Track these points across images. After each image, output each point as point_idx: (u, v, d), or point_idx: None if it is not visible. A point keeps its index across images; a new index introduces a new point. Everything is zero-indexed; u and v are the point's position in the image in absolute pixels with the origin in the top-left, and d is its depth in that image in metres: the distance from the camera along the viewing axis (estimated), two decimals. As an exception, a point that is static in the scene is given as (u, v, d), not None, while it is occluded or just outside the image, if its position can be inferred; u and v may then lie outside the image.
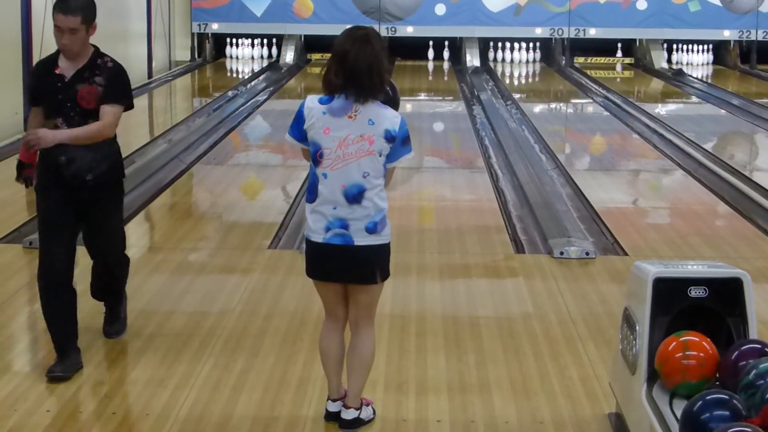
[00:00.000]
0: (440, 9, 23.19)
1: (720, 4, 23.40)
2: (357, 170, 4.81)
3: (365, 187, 4.83)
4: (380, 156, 4.84)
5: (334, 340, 5.10)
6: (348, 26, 5.08)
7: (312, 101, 4.92)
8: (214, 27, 23.16)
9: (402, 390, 5.53)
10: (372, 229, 4.88)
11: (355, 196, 4.82)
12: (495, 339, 6.29)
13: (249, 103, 17.05)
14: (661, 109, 17.93)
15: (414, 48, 23.18)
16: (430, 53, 23.79)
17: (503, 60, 23.74)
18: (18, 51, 13.93)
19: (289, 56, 23.00)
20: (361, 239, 4.87)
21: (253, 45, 23.65)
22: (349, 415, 5.04)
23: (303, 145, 4.93)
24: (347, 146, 4.81)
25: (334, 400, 5.12)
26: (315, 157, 4.85)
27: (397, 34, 23.00)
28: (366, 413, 5.12)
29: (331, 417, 5.10)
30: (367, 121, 4.83)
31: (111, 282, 6.17)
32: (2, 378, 5.58)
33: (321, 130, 4.83)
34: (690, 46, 23.97)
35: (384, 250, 4.99)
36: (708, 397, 3.76)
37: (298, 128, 4.91)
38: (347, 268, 4.93)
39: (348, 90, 4.84)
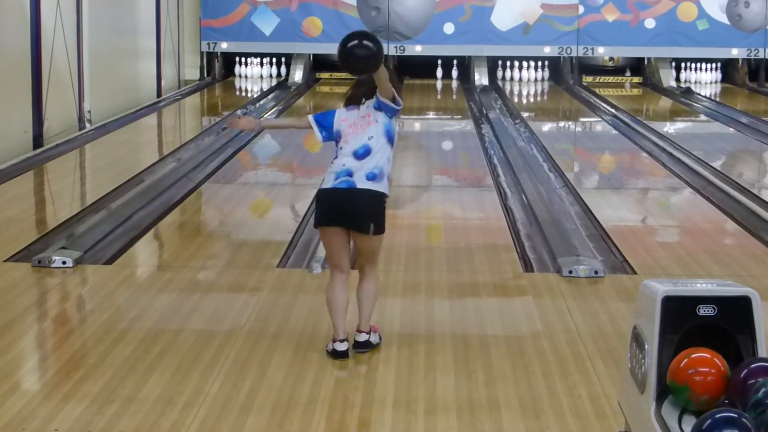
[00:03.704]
0: (449, 28, 23.24)
1: (728, 23, 23.42)
2: (364, 135, 6.13)
3: (370, 146, 6.11)
4: (377, 122, 6.15)
5: (339, 291, 6.21)
6: None
7: (339, 110, 6.30)
8: (224, 46, 23.23)
9: (411, 408, 5.52)
10: (371, 178, 6.08)
11: (362, 154, 6.10)
12: (504, 357, 6.28)
13: (258, 121, 17.05)
14: (670, 128, 17.94)
15: (422, 67, 23.23)
16: (439, 72, 23.83)
17: (512, 78, 23.77)
18: (27, 70, 13.99)
19: (297, 75, 23.06)
20: (362, 184, 6.06)
21: (262, 64, 23.71)
22: (361, 338, 6.22)
23: (317, 127, 6.27)
24: (356, 124, 6.17)
25: (341, 341, 6.15)
26: (337, 138, 6.22)
27: (405, 53, 23.05)
28: (374, 338, 6.30)
29: (338, 355, 6.13)
30: (366, 107, 6.23)
31: None
32: (11, 397, 5.58)
33: (340, 119, 6.22)
34: (698, 65, 23.98)
35: (380, 198, 6.12)
36: (717, 416, 3.76)
37: (326, 117, 6.28)
38: (348, 209, 6.07)
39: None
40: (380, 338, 6.39)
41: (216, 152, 13.76)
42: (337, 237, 6.17)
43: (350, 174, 6.06)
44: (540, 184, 11.67)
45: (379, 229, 6.16)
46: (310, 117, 6.32)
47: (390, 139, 6.18)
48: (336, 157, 6.18)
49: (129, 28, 19.27)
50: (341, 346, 6.12)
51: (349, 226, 6.12)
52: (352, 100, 6.27)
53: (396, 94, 6.15)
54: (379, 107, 6.18)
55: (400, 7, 23.12)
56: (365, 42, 5.86)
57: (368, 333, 6.26)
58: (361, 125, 6.14)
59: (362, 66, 5.96)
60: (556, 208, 10.37)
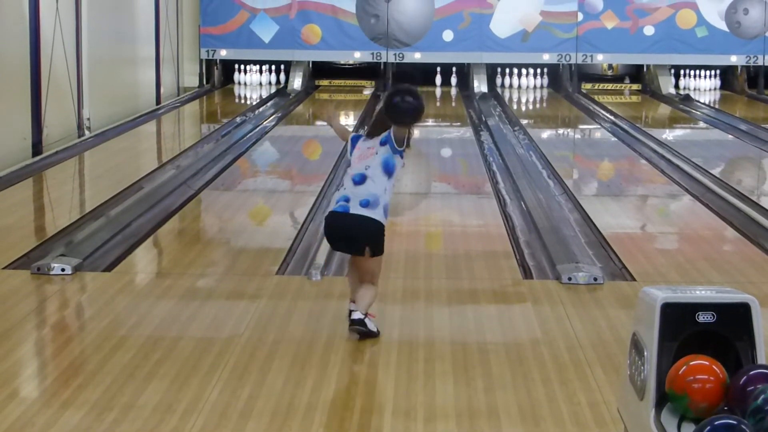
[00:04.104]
0: (448, 35, 23.25)
1: (727, 30, 23.44)
2: (362, 165, 6.73)
3: (365, 175, 6.68)
4: (377, 155, 6.71)
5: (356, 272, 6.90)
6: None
7: (363, 137, 6.90)
8: (223, 53, 23.23)
9: (410, 416, 5.52)
10: (365, 204, 6.63)
11: (358, 181, 6.69)
12: (503, 364, 6.28)
13: (257, 129, 17.09)
14: (669, 135, 17.95)
15: (422, 74, 23.22)
16: (438, 79, 23.82)
17: (511, 86, 23.76)
18: (27, 78, 13.99)
19: (297, 82, 23.06)
20: (356, 210, 6.63)
21: (261, 71, 23.70)
22: (357, 315, 6.67)
23: (350, 147, 6.88)
24: (362, 154, 6.78)
25: (353, 302, 6.76)
26: (348, 165, 6.90)
27: (404, 60, 23.07)
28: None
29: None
30: (372, 140, 6.81)
31: None
32: (10, 404, 5.58)
33: (357, 148, 6.85)
34: (697, 72, 23.99)
35: (373, 224, 6.64)
36: (716, 423, 3.75)
37: (355, 141, 6.89)
38: (344, 231, 6.70)
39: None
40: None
41: (215, 159, 13.77)
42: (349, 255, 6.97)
43: (347, 200, 6.69)
44: (539, 191, 11.67)
45: (376, 252, 6.73)
46: (350, 137, 6.99)
47: (387, 171, 6.72)
48: (341, 181, 6.98)
49: (128, 36, 19.28)
50: (355, 306, 6.76)
51: (348, 250, 6.86)
52: (373, 132, 6.86)
53: (406, 141, 6.79)
54: (385, 142, 6.74)
55: (399, 14, 23.14)
56: (407, 98, 6.67)
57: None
58: (365, 155, 6.76)
59: (406, 118, 6.70)
60: (555, 215, 10.37)
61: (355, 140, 6.91)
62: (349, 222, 6.63)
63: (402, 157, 6.78)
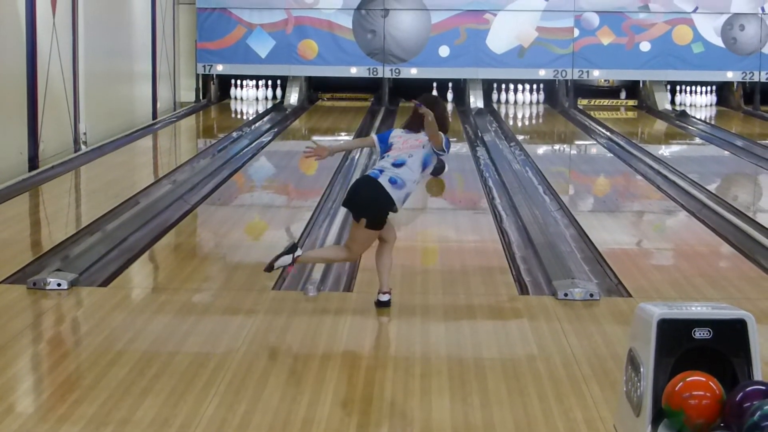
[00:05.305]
0: (444, 51, 23.28)
1: (723, 46, 23.49)
2: (406, 153, 7.57)
3: (406, 161, 7.53)
4: (422, 148, 7.58)
5: (378, 254, 7.82)
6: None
7: (397, 129, 7.83)
8: (219, 68, 23.25)
9: (407, 431, 5.51)
10: (393, 182, 7.46)
11: (398, 164, 7.52)
12: (499, 380, 6.28)
13: (253, 144, 17.09)
14: (665, 150, 17.96)
15: (418, 89, 23.20)
16: (434, 95, 23.82)
17: (507, 101, 23.79)
18: (23, 91, 13.99)
19: (293, 97, 23.09)
20: (383, 181, 7.45)
21: (257, 86, 23.73)
22: (384, 297, 7.71)
23: (378, 141, 7.79)
24: (407, 143, 7.62)
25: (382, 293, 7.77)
26: (386, 148, 7.68)
27: (401, 76, 23.10)
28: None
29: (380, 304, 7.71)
30: (423, 135, 7.61)
31: None
32: (5, 419, 5.57)
33: (397, 137, 7.71)
34: (693, 88, 24.03)
35: (385, 200, 7.46)
36: (713, 439, 3.75)
37: (384, 135, 7.82)
38: (358, 197, 7.54)
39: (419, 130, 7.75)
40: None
41: (211, 174, 13.77)
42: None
43: (381, 171, 7.51)
44: (535, 206, 11.68)
45: (370, 225, 7.52)
46: (374, 136, 7.95)
47: (424, 165, 7.66)
48: (380, 159, 7.67)
49: (125, 51, 19.30)
50: (383, 297, 7.76)
51: (351, 211, 7.63)
52: (412, 127, 7.71)
53: (443, 144, 7.63)
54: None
55: (396, 30, 23.18)
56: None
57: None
58: (411, 145, 7.62)
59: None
60: (551, 231, 10.38)
61: (384, 135, 7.83)
62: (370, 185, 7.49)
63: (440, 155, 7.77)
